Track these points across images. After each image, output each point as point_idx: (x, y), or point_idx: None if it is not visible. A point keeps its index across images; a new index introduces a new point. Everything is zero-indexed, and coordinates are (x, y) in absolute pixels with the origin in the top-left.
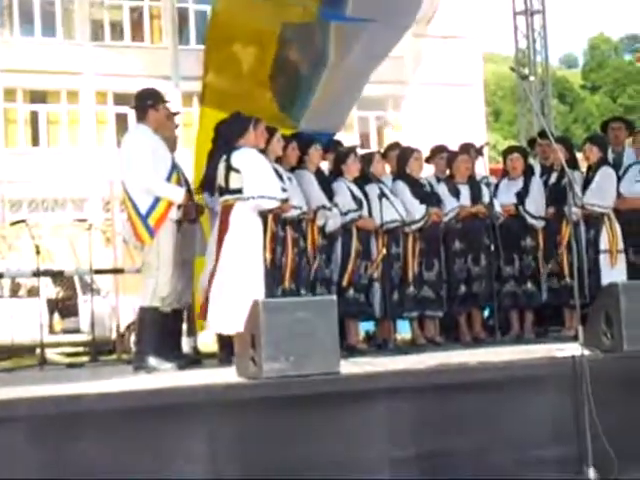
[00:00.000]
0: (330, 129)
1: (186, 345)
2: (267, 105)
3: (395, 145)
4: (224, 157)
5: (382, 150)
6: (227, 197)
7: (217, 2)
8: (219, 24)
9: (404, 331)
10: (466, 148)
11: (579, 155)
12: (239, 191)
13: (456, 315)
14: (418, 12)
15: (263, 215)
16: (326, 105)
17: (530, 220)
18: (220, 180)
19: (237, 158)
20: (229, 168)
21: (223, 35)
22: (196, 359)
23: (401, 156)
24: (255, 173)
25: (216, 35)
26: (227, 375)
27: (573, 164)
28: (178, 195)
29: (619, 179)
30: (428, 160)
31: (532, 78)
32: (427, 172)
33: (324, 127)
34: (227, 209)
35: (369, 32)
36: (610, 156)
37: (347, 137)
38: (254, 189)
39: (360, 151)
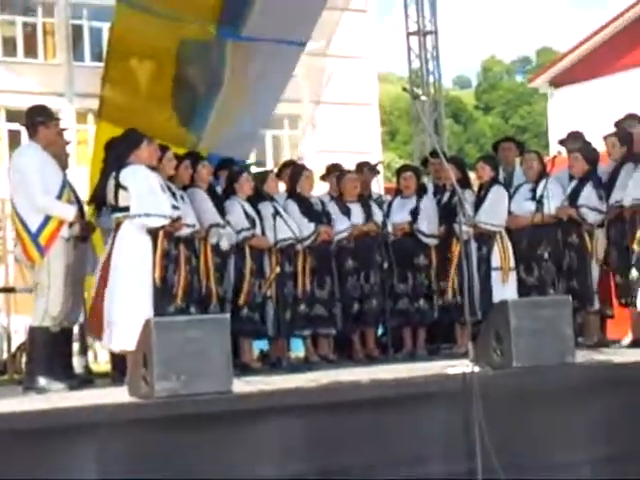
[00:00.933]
0: (240, 155)
1: (78, 365)
2: (166, 121)
3: (288, 163)
4: (113, 174)
5: (276, 169)
6: (117, 215)
7: (116, 18)
8: (118, 39)
9: (298, 349)
10: (360, 167)
11: (472, 174)
12: (127, 209)
13: (349, 333)
14: (313, 29)
15: (153, 233)
16: (230, 127)
17: (423, 239)
18: (110, 197)
19: (125, 175)
20: (118, 185)
21: (121, 50)
22: (88, 379)
23: (292, 175)
24: (142, 191)
25: (115, 50)
26: (119, 395)
27: (465, 183)
28: (69, 213)
29: (510, 198)
30: (323, 178)
31: (424, 98)
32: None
33: (235, 153)
34: (117, 227)
35: (265, 51)
36: (501, 175)
37: None
38: (141, 207)
39: (254, 169)
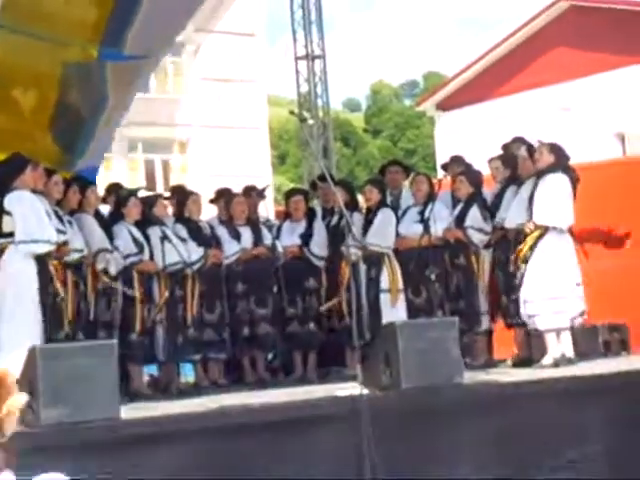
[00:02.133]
0: (93, 163)
1: None
2: (48, 147)
3: (177, 187)
4: None
5: (166, 193)
6: (0, 241)
7: None
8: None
9: (189, 374)
10: (248, 190)
11: (360, 197)
12: (11, 234)
13: (240, 357)
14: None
15: (39, 259)
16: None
17: (315, 261)
18: None
19: (9, 201)
20: (1, 211)
21: (3, 75)
22: None
23: (179, 198)
24: (27, 216)
25: None
26: None
27: (354, 206)
28: None
29: (398, 220)
30: (212, 202)
31: (311, 121)
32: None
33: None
34: (0, 253)
35: (143, 68)
36: (389, 198)
37: (133, 179)
38: (27, 233)
39: (142, 194)
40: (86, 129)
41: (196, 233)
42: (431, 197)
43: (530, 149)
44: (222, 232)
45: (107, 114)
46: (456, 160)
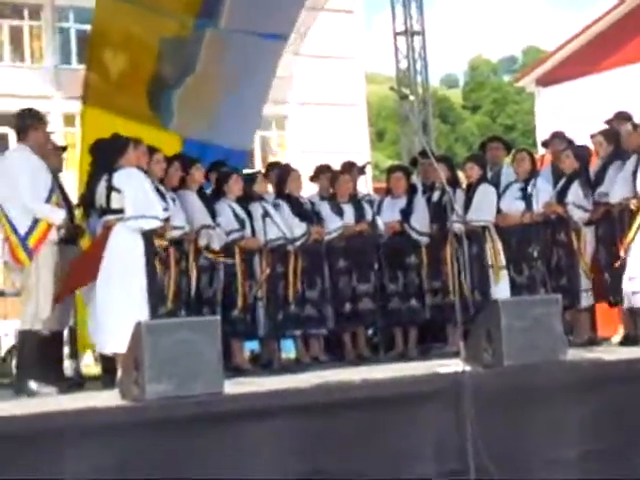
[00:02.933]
0: (236, 145)
1: (68, 368)
2: (142, 107)
3: (275, 164)
4: (105, 177)
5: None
6: (108, 217)
7: (97, 7)
8: (99, 28)
9: (289, 350)
10: (348, 167)
11: (461, 173)
12: (120, 211)
13: (340, 333)
14: (294, 23)
15: (146, 235)
16: (210, 115)
17: (416, 236)
18: (101, 200)
19: (119, 178)
20: (110, 188)
21: (103, 39)
22: (79, 382)
23: (280, 175)
24: (136, 193)
25: (97, 38)
26: (110, 398)
27: (454, 182)
28: (57, 217)
29: (499, 197)
30: (312, 179)
31: (412, 98)
32: (312, 190)
33: (230, 142)
34: (108, 229)
35: (244, 42)
36: (489, 174)
37: None
38: (135, 209)
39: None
40: (170, 90)
41: (298, 209)
42: (533, 173)
43: (634, 124)
44: (324, 208)
45: (194, 81)
46: (558, 136)
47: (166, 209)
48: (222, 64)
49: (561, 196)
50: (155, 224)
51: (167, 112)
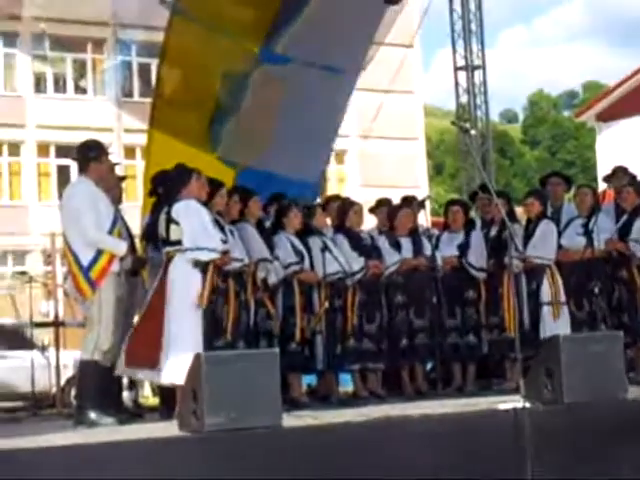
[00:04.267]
0: (303, 175)
1: (127, 399)
2: (203, 133)
3: (335, 197)
4: (165, 209)
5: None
6: (168, 248)
7: (171, 28)
8: (172, 48)
9: (346, 384)
10: (408, 201)
11: (518, 209)
12: (179, 242)
13: (398, 367)
14: (361, 58)
15: (203, 267)
16: (267, 143)
17: (473, 272)
18: (161, 231)
19: (177, 210)
20: (169, 220)
21: (174, 59)
22: (137, 413)
23: (340, 209)
24: (194, 225)
25: (168, 58)
26: (168, 429)
27: (512, 217)
28: (120, 248)
29: (559, 233)
30: (372, 211)
31: (473, 132)
32: (371, 224)
33: (289, 172)
34: (168, 261)
35: (301, 72)
36: (549, 210)
37: None
38: (193, 240)
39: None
40: (222, 112)
41: (357, 243)
42: (595, 209)
43: None
44: (382, 242)
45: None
46: (620, 171)
47: (225, 241)
48: (276, 93)
49: (623, 232)
50: (212, 256)
51: (217, 139)
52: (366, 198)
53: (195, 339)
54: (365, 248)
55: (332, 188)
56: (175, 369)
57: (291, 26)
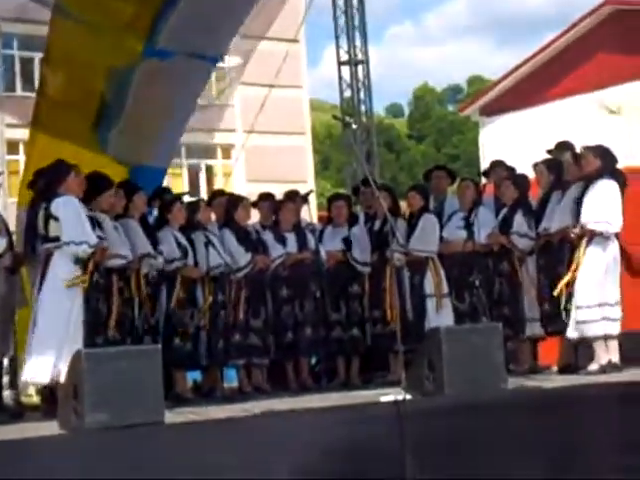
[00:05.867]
0: (157, 164)
1: (8, 398)
2: (88, 132)
3: (220, 192)
4: (43, 205)
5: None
6: (47, 245)
7: (52, 29)
8: (54, 50)
9: (231, 380)
10: (292, 196)
11: (403, 203)
12: (57, 239)
13: (283, 362)
14: (228, 44)
15: (82, 263)
16: (152, 140)
17: (357, 266)
18: (40, 228)
19: (57, 205)
20: (48, 215)
21: (58, 62)
22: (18, 412)
23: (228, 204)
24: (73, 220)
25: (52, 61)
26: (48, 428)
27: (396, 211)
28: None
29: (442, 226)
30: (254, 206)
31: (355, 126)
32: (254, 219)
33: (151, 161)
34: (47, 258)
35: (178, 64)
36: (432, 204)
37: (176, 184)
38: (71, 236)
39: (186, 199)
40: (109, 112)
41: (244, 238)
42: (477, 203)
43: (575, 154)
44: (268, 237)
45: (130, 103)
46: (498, 164)
47: (101, 238)
48: (156, 91)
49: (504, 226)
50: (89, 251)
51: (105, 140)
52: (252, 193)
53: (73, 336)
54: (252, 243)
55: (219, 183)
56: (53, 366)
57: (169, 19)
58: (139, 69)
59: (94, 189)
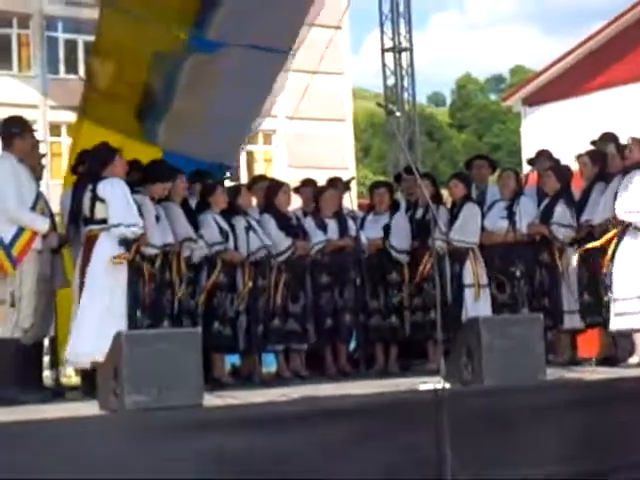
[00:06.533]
0: (220, 159)
1: (48, 378)
2: (131, 120)
3: (261, 177)
4: (89, 187)
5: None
6: (92, 227)
7: (102, 21)
8: (103, 41)
9: (270, 364)
10: (334, 182)
11: (445, 191)
12: (104, 221)
13: (322, 348)
14: (295, 38)
15: (128, 246)
16: (187, 125)
17: (395, 254)
18: (85, 210)
19: (104, 187)
20: (95, 198)
21: (104, 52)
22: (58, 391)
23: (269, 189)
24: (121, 203)
25: (100, 51)
26: (89, 408)
27: (438, 200)
28: (42, 225)
29: (483, 215)
30: (296, 191)
31: (399, 114)
32: (295, 204)
33: (214, 156)
34: (92, 239)
35: (234, 57)
36: (474, 193)
37: None
38: (118, 217)
39: (227, 183)
40: (158, 105)
41: (284, 223)
42: (518, 193)
43: (619, 146)
44: (309, 223)
45: (180, 98)
46: (543, 154)
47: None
48: (213, 80)
49: (545, 216)
50: (138, 233)
51: (152, 131)
52: (293, 179)
53: (118, 317)
54: (292, 228)
55: (259, 168)
56: (97, 348)
57: (218, 10)
58: (188, 63)
59: (153, 177)
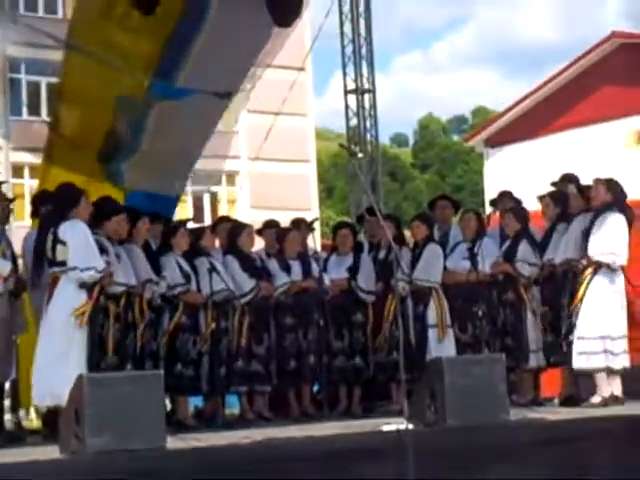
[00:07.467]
0: (166, 191)
1: (9, 421)
2: (92, 161)
3: (225, 218)
4: (52, 229)
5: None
6: (54, 269)
7: (65, 63)
8: (67, 85)
9: (234, 405)
10: (297, 223)
11: (408, 232)
12: (64, 263)
13: (285, 390)
14: (244, 79)
15: (89, 288)
16: (153, 166)
17: (362, 295)
18: (48, 252)
19: (64, 229)
20: (56, 240)
21: (68, 96)
22: (19, 435)
23: (232, 231)
24: (80, 245)
25: (63, 95)
26: (50, 452)
27: (400, 241)
28: (3, 268)
29: (446, 256)
30: (259, 233)
31: (361, 155)
32: (258, 246)
33: (158, 188)
34: (54, 282)
35: (197, 102)
36: (437, 233)
37: (180, 210)
38: (78, 261)
39: (190, 225)
40: (125, 148)
41: (248, 265)
42: (480, 233)
43: (579, 187)
44: (272, 264)
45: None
46: (505, 195)
47: (107, 262)
48: (174, 128)
49: (509, 255)
50: (97, 277)
51: (117, 173)
52: (256, 220)
53: (77, 360)
54: (256, 270)
55: (223, 209)
56: (57, 390)
57: (185, 58)
58: (155, 110)
59: (102, 214)
